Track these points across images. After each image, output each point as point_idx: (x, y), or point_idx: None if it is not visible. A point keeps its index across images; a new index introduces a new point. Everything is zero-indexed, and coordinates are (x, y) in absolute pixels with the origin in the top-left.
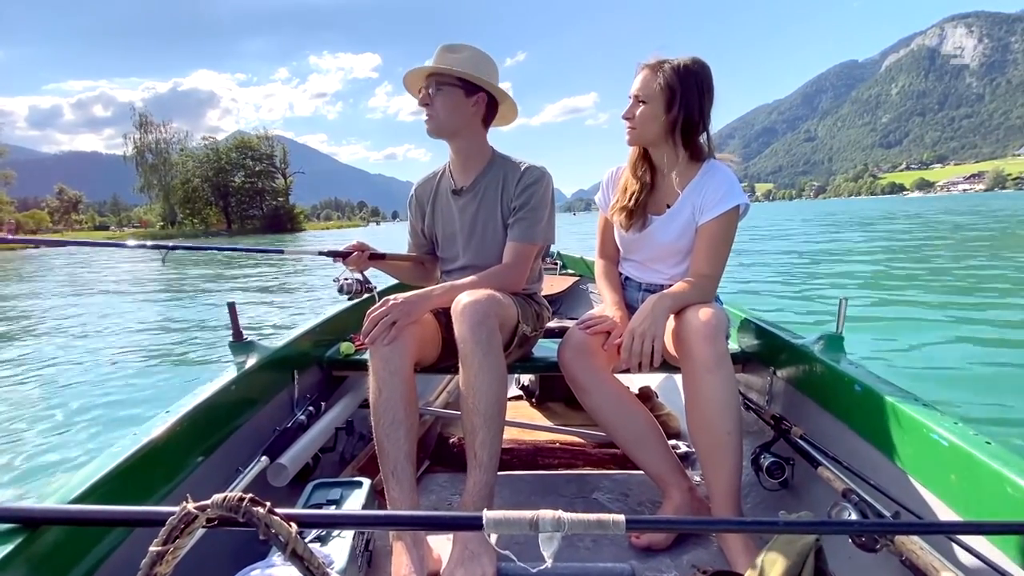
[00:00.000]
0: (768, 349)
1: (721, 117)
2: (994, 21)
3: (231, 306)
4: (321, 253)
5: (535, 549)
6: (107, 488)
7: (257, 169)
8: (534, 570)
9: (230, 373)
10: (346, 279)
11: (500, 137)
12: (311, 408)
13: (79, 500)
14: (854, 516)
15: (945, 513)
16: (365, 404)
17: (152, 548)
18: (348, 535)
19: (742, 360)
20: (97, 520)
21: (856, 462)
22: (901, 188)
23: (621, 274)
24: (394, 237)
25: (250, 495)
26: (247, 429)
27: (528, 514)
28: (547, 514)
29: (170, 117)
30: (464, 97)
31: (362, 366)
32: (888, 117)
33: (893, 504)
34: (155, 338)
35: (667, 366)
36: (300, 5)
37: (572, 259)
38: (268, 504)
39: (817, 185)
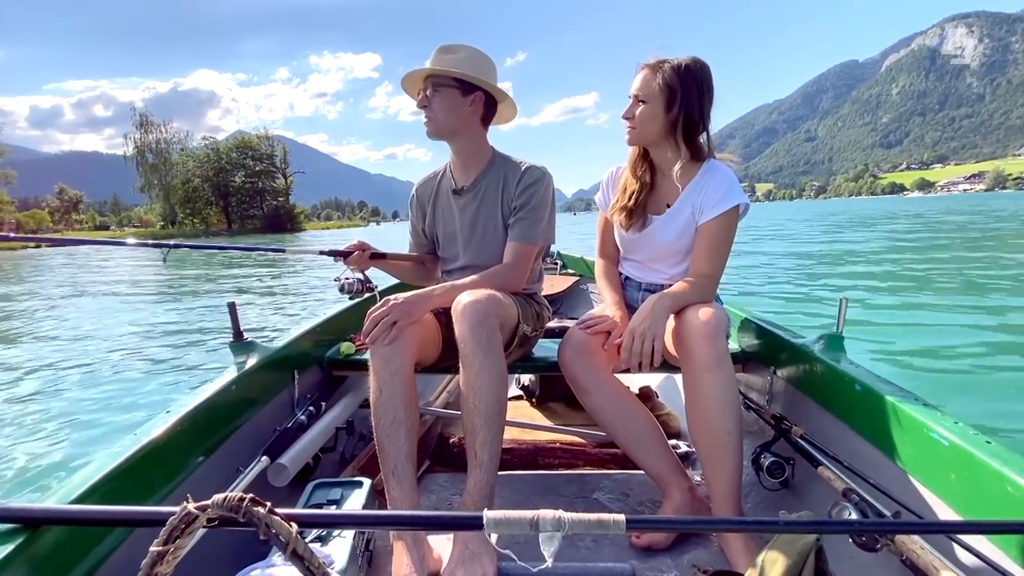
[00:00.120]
0: (768, 349)
1: (721, 117)
2: (995, 21)
3: (231, 306)
4: (322, 252)
5: (536, 549)
6: (108, 488)
7: (257, 169)
8: (535, 570)
9: (230, 373)
10: (347, 278)
11: (500, 137)
12: (311, 408)
13: (80, 500)
14: (854, 516)
15: (945, 513)
16: (365, 404)
17: (153, 548)
18: (348, 535)
19: (742, 360)
20: (98, 520)
21: (856, 462)
22: (902, 188)
23: (621, 274)
24: (393, 237)
25: (250, 495)
26: (247, 429)
27: (528, 514)
28: (547, 514)
29: (170, 117)
30: (461, 97)
31: (362, 366)
32: (888, 117)
33: (893, 504)
34: (155, 338)
35: (667, 366)
36: (300, 5)
37: (572, 259)
38: (268, 504)
39: (817, 185)
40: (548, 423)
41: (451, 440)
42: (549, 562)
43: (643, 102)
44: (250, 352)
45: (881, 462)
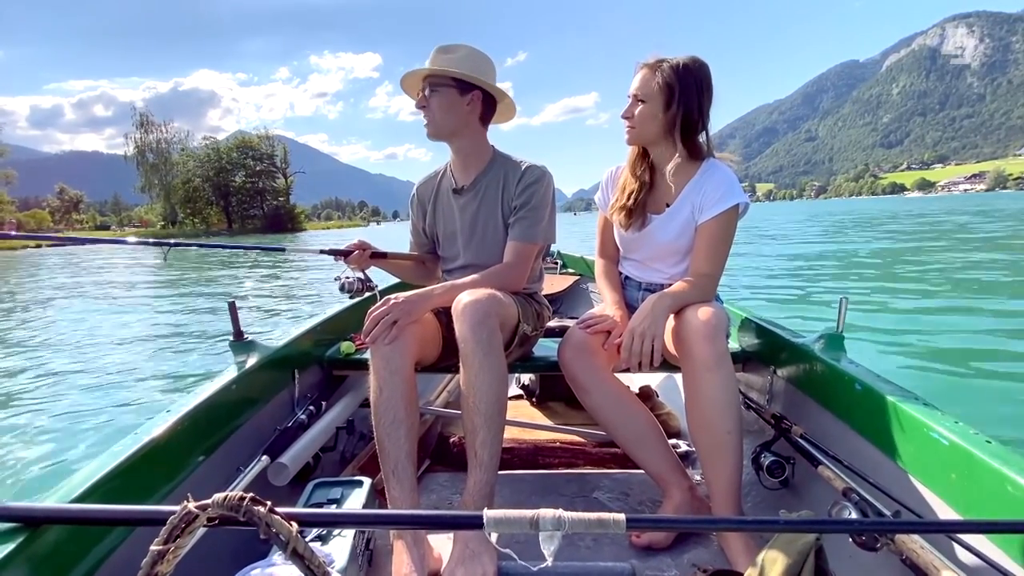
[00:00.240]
0: (768, 348)
1: (722, 117)
2: (995, 21)
3: (231, 305)
4: (322, 252)
5: (536, 548)
6: (108, 487)
7: (258, 169)
8: (535, 569)
9: (231, 372)
10: (347, 277)
11: (501, 137)
12: (312, 407)
13: (80, 499)
14: (854, 515)
15: (945, 512)
16: (366, 403)
17: (153, 547)
18: (349, 534)
19: (742, 359)
20: (98, 519)
21: (856, 461)
22: (902, 188)
23: (621, 273)
24: (393, 237)
25: (251, 494)
26: (248, 428)
27: (529, 513)
28: (548, 513)
29: (171, 117)
30: (458, 96)
31: (363, 365)
32: (889, 117)
33: (893, 503)
34: (156, 338)
35: (667, 365)
36: (301, 5)
37: (572, 258)
38: (269, 503)
39: (818, 185)
40: (548, 422)
41: (451, 439)
42: (549, 561)
43: (642, 101)
44: (250, 351)
45: (881, 461)
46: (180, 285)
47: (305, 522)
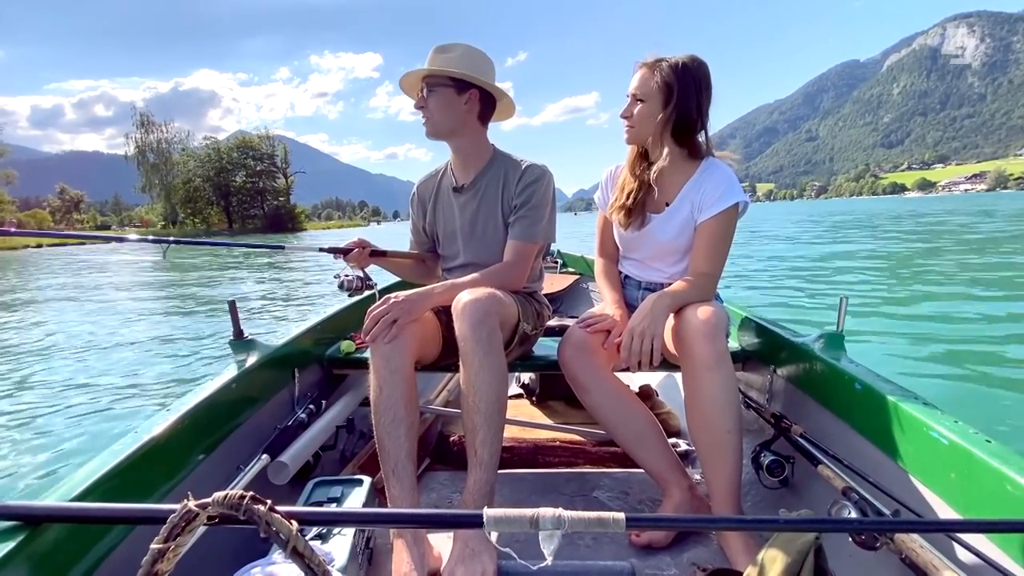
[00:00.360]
0: (768, 347)
1: (722, 117)
2: (996, 21)
3: (232, 304)
4: (322, 249)
5: (535, 547)
6: (108, 486)
7: (258, 169)
8: (534, 568)
9: (231, 371)
10: (347, 276)
11: (501, 136)
12: (312, 406)
13: (80, 498)
14: (854, 514)
15: (945, 511)
16: (366, 402)
17: (153, 546)
18: (349, 533)
19: (742, 358)
20: (98, 518)
21: (856, 460)
22: (903, 188)
23: (621, 272)
24: (393, 236)
25: (251, 493)
26: (248, 427)
27: (528, 512)
28: (547, 512)
29: (171, 117)
30: (456, 95)
31: (363, 364)
32: (890, 117)
33: (893, 502)
34: (156, 337)
35: (667, 364)
36: (301, 5)
37: (572, 257)
38: (269, 502)
39: (818, 185)
40: (548, 421)
41: (451, 438)
42: (549, 560)
43: (641, 101)
44: (250, 350)
45: (881, 461)
46: (181, 285)
47: (305, 521)
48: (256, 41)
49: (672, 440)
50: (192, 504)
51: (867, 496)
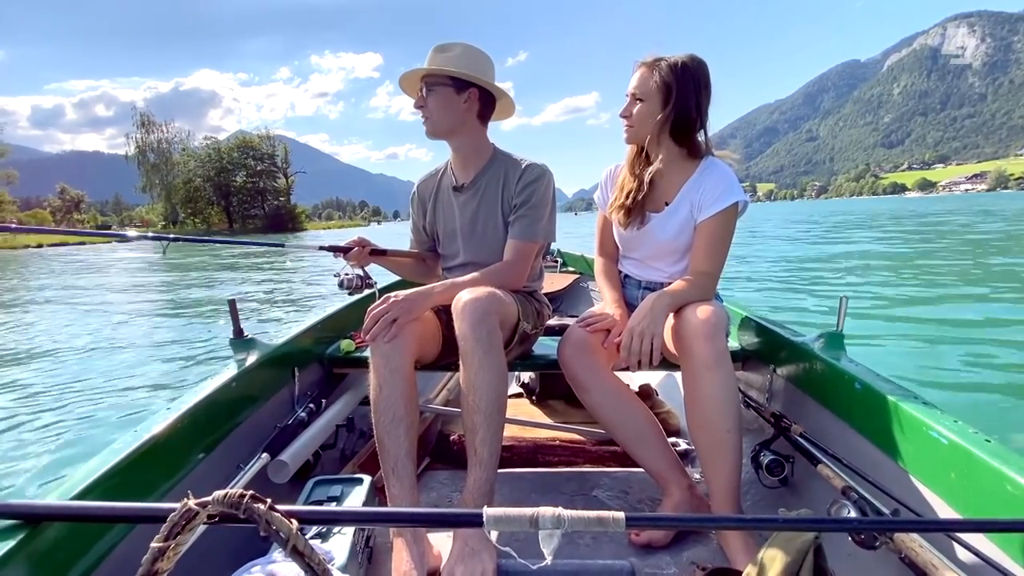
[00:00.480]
0: (768, 347)
1: (723, 117)
2: (996, 21)
3: (232, 303)
4: (322, 248)
5: (535, 546)
6: (108, 484)
7: (259, 169)
8: (534, 567)
9: (231, 370)
10: (347, 274)
11: (501, 136)
12: (312, 405)
13: (81, 496)
14: (853, 514)
15: (944, 511)
16: (366, 401)
17: (153, 544)
18: (349, 531)
19: (742, 358)
20: (98, 516)
21: (856, 460)
22: (903, 188)
23: (621, 272)
24: (392, 236)
25: (251, 492)
26: (248, 426)
27: (528, 511)
28: (547, 511)
29: (172, 117)
30: (455, 95)
31: (363, 363)
32: (890, 117)
33: (892, 502)
34: (156, 335)
35: (667, 364)
36: (302, 5)
37: (573, 257)
38: (269, 501)
39: (819, 185)
40: (548, 421)
41: (451, 437)
42: (549, 559)
43: (640, 100)
44: (250, 349)
45: (880, 460)
46: (181, 285)
47: (305, 519)
48: (257, 41)
49: (672, 439)
50: (192, 503)
51: (866, 495)
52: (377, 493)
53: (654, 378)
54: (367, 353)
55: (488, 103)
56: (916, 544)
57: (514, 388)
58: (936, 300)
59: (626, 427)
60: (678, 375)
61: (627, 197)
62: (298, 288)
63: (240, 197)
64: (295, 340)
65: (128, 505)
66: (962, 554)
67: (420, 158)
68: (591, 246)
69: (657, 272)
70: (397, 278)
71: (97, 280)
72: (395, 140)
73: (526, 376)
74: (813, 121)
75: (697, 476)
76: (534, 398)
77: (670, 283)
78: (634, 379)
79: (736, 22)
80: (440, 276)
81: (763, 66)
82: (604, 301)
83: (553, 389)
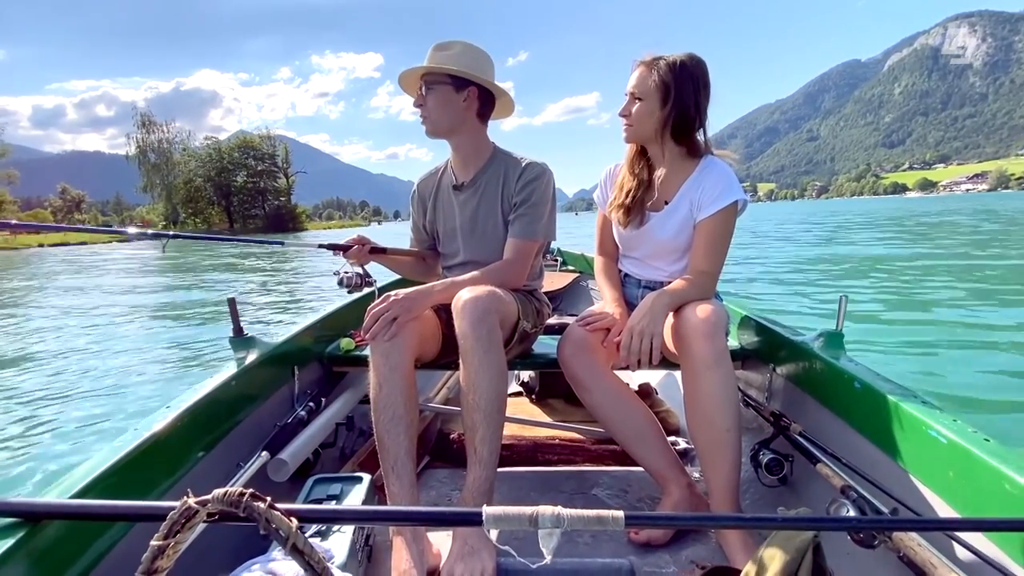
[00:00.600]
0: (768, 346)
1: (723, 116)
2: (997, 20)
3: (231, 302)
4: (321, 246)
5: (535, 545)
6: (108, 483)
7: (259, 169)
8: (534, 566)
9: (230, 369)
10: (346, 272)
11: (502, 136)
12: (311, 404)
13: (80, 494)
14: (852, 512)
15: (943, 510)
16: (365, 400)
17: (153, 542)
18: (348, 530)
19: (742, 357)
20: (98, 515)
21: (855, 459)
22: (904, 188)
23: (621, 271)
24: (393, 236)
25: (251, 490)
26: (248, 425)
27: (528, 510)
28: (546, 510)
29: (173, 117)
30: (454, 93)
31: (362, 362)
32: (891, 117)
33: (891, 501)
34: (156, 334)
35: (666, 363)
36: (302, 5)
37: (573, 255)
38: (268, 499)
39: (819, 185)
40: (547, 419)
41: (451, 436)
42: (548, 558)
43: (639, 99)
44: (250, 348)
45: (880, 459)
46: (180, 282)
47: (305, 518)
48: (257, 41)
49: (671, 438)
50: (192, 501)
51: (866, 494)
52: (377, 492)
53: (654, 377)
54: (367, 352)
55: (488, 102)
56: (915, 543)
57: (514, 387)
58: (937, 300)
59: (625, 426)
60: (678, 374)
61: (626, 196)
62: (298, 287)
63: (241, 197)
64: (295, 339)
65: (128, 503)
66: (961, 553)
67: (420, 158)
68: (591, 246)
69: (657, 271)
70: (397, 277)
71: (97, 280)
72: (396, 140)
73: (526, 375)
74: (814, 121)
75: (696, 475)
76: (534, 397)
77: (670, 282)
78: (634, 378)
79: (736, 22)
80: (440, 275)
81: (764, 66)
82: (604, 300)
83: (553, 388)
